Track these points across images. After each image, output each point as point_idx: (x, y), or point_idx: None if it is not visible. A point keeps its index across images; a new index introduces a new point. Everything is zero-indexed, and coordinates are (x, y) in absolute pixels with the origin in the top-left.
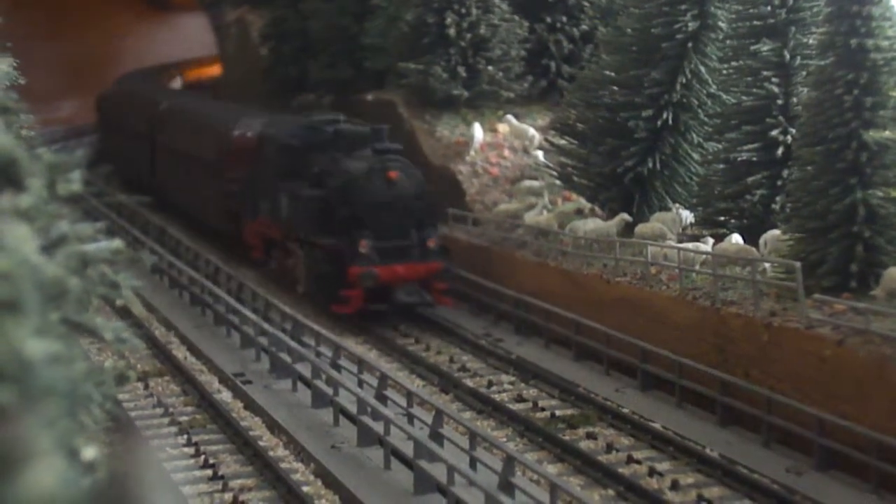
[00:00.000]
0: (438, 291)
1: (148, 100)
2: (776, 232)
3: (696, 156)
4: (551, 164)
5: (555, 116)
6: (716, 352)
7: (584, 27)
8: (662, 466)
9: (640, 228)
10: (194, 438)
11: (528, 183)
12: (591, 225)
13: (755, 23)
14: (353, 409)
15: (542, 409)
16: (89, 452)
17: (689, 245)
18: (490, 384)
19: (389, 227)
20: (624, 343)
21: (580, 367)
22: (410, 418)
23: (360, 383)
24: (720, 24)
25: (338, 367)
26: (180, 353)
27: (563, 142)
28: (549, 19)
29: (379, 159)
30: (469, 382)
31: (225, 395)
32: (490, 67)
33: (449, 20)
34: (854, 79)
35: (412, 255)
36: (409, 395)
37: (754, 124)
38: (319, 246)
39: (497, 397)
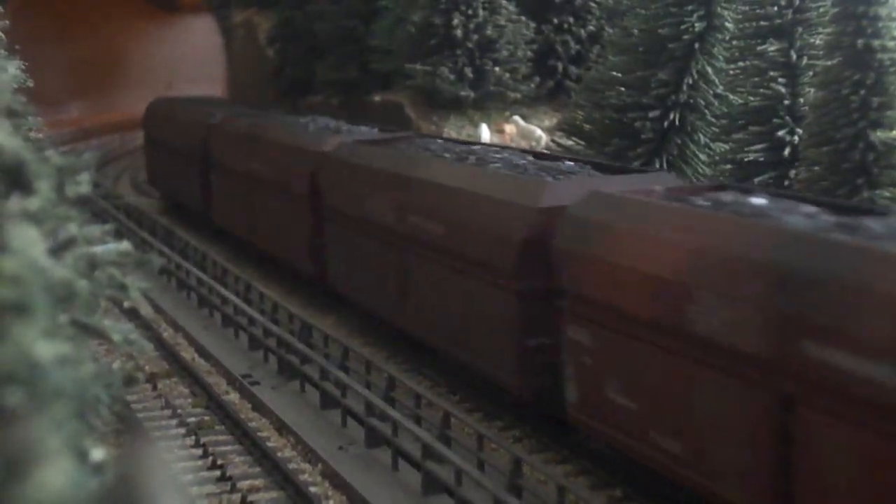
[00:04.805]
0: None
1: None
2: None
3: (703, 156)
4: None
5: (562, 117)
6: None
7: (591, 28)
8: None
9: None
10: (202, 439)
11: None
12: None
13: (762, 23)
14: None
15: None
16: (98, 454)
17: None
18: None
19: None
20: None
21: None
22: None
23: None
24: (727, 24)
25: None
26: (188, 354)
27: (570, 143)
28: (555, 20)
29: None
30: None
31: (233, 396)
32: (497, 68)
33: (456, 21)
34: (861, 79)
35: None
36: (418, 397)
37: (761, 125)
38: None
39: None
